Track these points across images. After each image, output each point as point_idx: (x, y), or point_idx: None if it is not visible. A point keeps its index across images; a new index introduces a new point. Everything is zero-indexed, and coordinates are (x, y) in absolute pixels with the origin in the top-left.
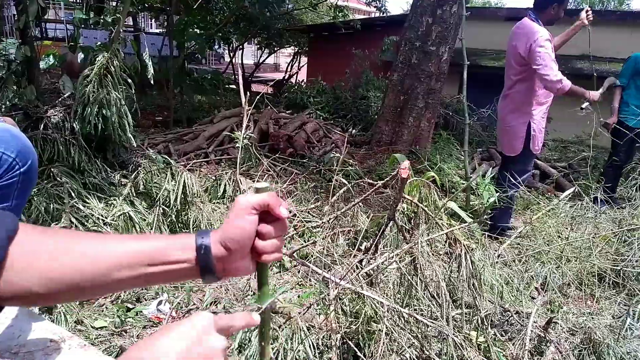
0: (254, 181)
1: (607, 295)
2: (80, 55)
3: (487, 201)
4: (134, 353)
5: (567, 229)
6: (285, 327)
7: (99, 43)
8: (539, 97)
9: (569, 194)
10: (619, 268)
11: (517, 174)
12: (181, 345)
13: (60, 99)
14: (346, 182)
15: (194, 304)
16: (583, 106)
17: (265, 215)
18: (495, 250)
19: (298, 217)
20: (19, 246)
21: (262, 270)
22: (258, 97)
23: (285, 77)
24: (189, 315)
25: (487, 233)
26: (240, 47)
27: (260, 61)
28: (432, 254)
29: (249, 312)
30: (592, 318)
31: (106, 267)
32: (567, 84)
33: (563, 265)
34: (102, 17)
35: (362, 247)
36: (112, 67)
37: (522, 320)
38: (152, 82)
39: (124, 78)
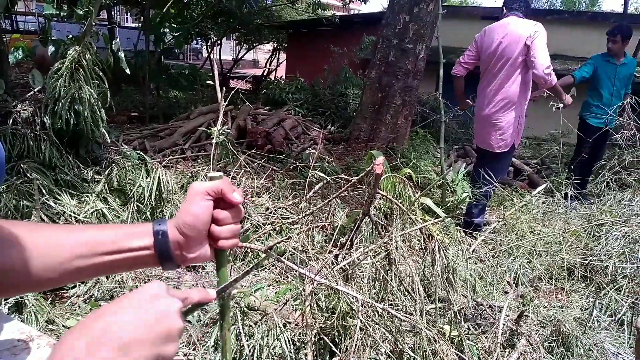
0: (231, 177)
1: (576, 289)
2: (51, 49)
3: (461, 197)
4: (82, 326)
5: (539, 224)
6: (262, 324)
7: (70, 36)
8: (528, 93)
9: (541, 190)
10: (587, 262)
11: (499, 171)
12: (132, 310)
13: (30, 94)
14: (322, 178)
15: None
16: (559, 106)
17: (220, 201)
18: (469, 246)
19: (275, 214)
20: None
21: (220, 256)
22: (233, 92)
23: (264, 74)
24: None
25: (461, 228)
26: (218, 42)
27: (239, 57)
28: (407, 249)
29: (204, 289)
30: (562, 311)
31: (66, 256)
32: (555, 78)
33: (534, 260)
34: (74, 9)
35: (338, 243)
36: (84, 61)
37: (495, 314)
38: (128, 74)
39: (97, 72)
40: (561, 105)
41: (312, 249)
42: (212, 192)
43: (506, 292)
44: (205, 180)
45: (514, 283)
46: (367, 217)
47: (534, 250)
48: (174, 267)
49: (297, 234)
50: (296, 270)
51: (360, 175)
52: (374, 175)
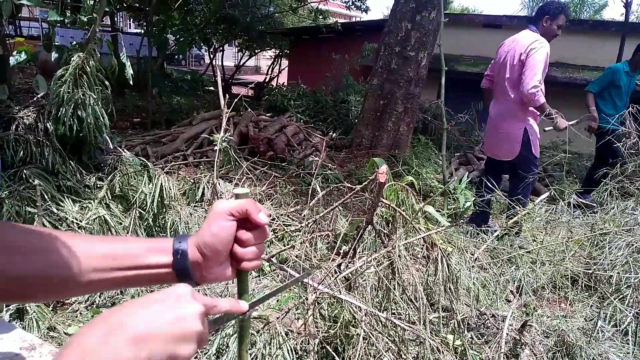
0: (232, 184)
1: (580, 298)
2: (55, 55)
3: (464, 205)
4: (102, 316)
5: (542, 232)
6: (264, 332)
7: (74, 43)
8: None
9: (544, 198)
10: (591, 272)
11: (511, 180)
12: (153, 306)
13: (33, 99)
14: (322, 187)
15: None
16: (546, 129)
17: (245, 221)
18: (472, 254)
19: (277, 221)
20: None
21: (242, 278)
22: (236, 99)
23: (266, 80)
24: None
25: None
26: (221, 48)
27: (241, 63)
28: (410, 258)
29: (236, 299)
30: (566, 321)
31: (84, 268)
32: (540, 98)
33: (538, 269)
34: (77, 16)
35: (341, 251)
36: (87, 67)
37: (498, 323)
38: (130, 82)
39: (100, 79)
40: (550, 127)
41: (315, 257)
42: (237, 213)
43: (509, 301)
44: (230, 194)
45: (517, 292)
46: (370, 226)
47: (536, 259)
48: (192, 285)
49: (301, 243)
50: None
51: (364, 184)
52: (378, 183)
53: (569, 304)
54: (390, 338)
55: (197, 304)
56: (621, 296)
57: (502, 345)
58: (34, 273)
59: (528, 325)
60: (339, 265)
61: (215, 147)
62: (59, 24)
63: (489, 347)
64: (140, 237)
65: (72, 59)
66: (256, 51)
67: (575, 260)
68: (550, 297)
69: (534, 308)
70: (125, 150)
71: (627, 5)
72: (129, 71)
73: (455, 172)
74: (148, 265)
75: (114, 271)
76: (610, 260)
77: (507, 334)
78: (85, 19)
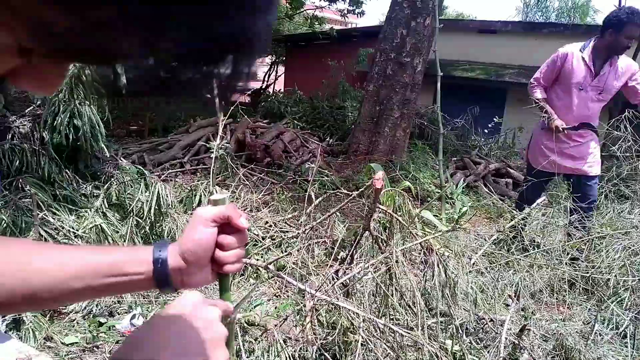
0: (229, 191)
1: (578, 302)
2: None
3: (460, 210)
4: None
5: (539, 236)
6: (262, 340)
7: None
8: (547, 115)
9: (541, 202)
10: (588, 275)
11: (526, 187)
12: (179, 324)
13: (29, 109)
14: (319, 193)
15: None
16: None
17: (226, 226)
18: (469, 259)
19: (274, 228)
20: None
21: (224, 281)
22: (233, 107)
23: (263, 87)
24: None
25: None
26: None
27: None
28: (408, 263)
29: (226, 302)
30: (564, 324)
31: (65, 277)
32: (536, 92)
33: (535, 273)
34: None
35: (339, 257)
36: (83, 76)
37: (497, 327)
38: (123, 92)
39: (97, 87)
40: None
41: (312, 264)
42: (219, 219)
43: (507, 306)
44: (208, 200)
45: (515, 296)
46: (367, 232)
47: (533, 263)
48: (171, 291)
49: (298, 250)
50: (296, 286)
51: (360, 190)
52: (374, 190)
53: (567, 308)
54: (388, 344)
55: (215, 309)
56: (619, 299)
57: (501, 350)
58: (14, 283)
59: (526, 329)
60: (336, 272)
61: (212, 155)
62: None
63: (488, 352)
64: (123, 246)
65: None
66: None
67: (572, 264)
68: (549, 300)
69: (532, 312)
70: (121, 158)
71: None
72: (122, 80)
73: (451, 176)
74: (127, 273)
75: (95, 279)
76: (608, 263)
77: (506, 338)
78: None
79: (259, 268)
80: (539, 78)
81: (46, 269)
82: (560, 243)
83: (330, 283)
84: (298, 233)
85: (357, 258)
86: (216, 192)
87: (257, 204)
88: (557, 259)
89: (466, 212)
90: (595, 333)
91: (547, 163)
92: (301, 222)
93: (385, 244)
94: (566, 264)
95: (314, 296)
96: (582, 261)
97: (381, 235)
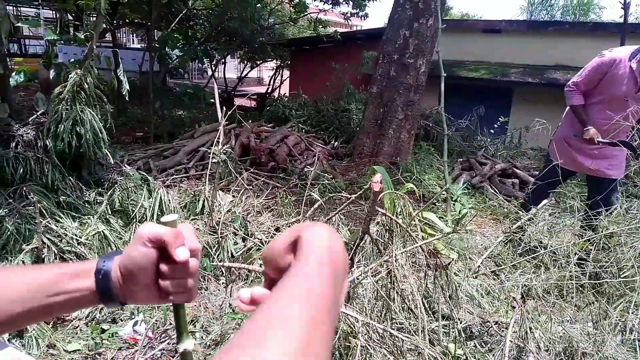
0: (233, 196)
1: (586, 302)
2: (52, 73)
3: (460, 212)
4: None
5: (546, 236)
6: None
7: (72, 60)
8: (571, 115)
9: (548, 202)
10: (597, 275)
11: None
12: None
13: (33, 117)
14: (321, 196)
15: (171, 324)
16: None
17: (166, 253)
18: (472, 260)
19: (278, 233)
20: None
21: (178, 312)
22: (234, 110)
23: (268, 91)
24: None
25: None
26: (223, 61)
27: (243, 75)
28: (412, 266)
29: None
30: (572, 326)
31: (7, 301)
32: (574, 97)
33: (542, 274)
34: (74, 33)
35: None
36: (85, 84)
37: (502, 330)
38: (127, 98)
39: (99, 95)
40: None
41: None
42: (153, 240)
43: (514, 308)
44: (158, 222)
45: (520, 298)
46: (367, 235)
47: (539, 264)
48: (117, 305)
49: None
50: None
51: (358, 192)
52: (372, 193)
53: (576, 309)
54: (388, 349)
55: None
56: (627, 300)
57: (506, 354)
58: None
59: (532, 331)
60: None
61: (213, 161)
62: (62, 42)
63: (493, 355)
64: (66, 262)
65: (70, 76)
66: (258, 62)
67: (580, 264)
68: (556, 302)
69: (539, 314)
70: (125, 165)
71: (626, 7)
72: (126, 87)
73: (457, 177)
74: (67, 290)
75: (44, 298)
76: (616, 263)
77: (511, 341)
78: (83, 37)
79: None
80: (579, 83)
81: None
82: (568, 243)
83: None
84: None
85: (357, 261)
86: (220, 196)
87: (259, 208)
88: (564, 259)
89: (466, 214)
90: (604, 335)
91: (569, 159)
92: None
93: (384, 248)
94: (575, 264)
95: None
96: (590, 262)
97: (382, 238)
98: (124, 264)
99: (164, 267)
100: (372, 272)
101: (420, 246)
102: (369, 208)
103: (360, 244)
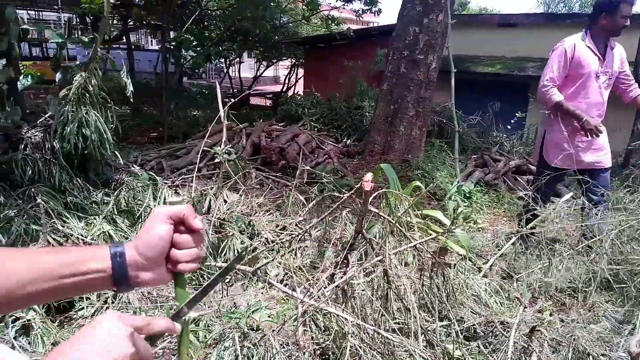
0: (241, 195)
1: (600, 301)
2: (58, 76)
3: (453, 212)
4: None
5: (563, 233)
6: (259, 346)
7: (77, 63)
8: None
9: (566, 199)
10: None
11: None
12: (86, 345)
13: (41, 119)
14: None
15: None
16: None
17: (181, 226)
18: (482, 258)
19: (286, 231)
20: None
21: (180, 280)
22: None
23: (284, 89)
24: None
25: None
26: (238, 60)
27: (258, 74)
28: (417, 265)
29: (171, 320)
30: (583, 327)
31: (22, 282)
32: (554, 94)
33: (556, 272)
34: (80, 37)
35: (334, 261)
36: (90, 86)
37: (506, 331)
38: (131, 100)
39: (103, 96)
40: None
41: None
42: (174, 216)
43: (525, 308)
44: (167, 202)
45: (532, 296)
46: (360, 235)
47: (551, 262)
48: (129, 289)
49: (288, 253)
50: (288, 292)
51: (351, 192)
52: (364, 192)
53: (588, 308)
54: (379, 351)
55: (124, 328)
56: None
57: (509, 355)
58: None
59: (537, 331)
60: (332, 275)
61: (222, 159)
62: (81, 45)
63: (496, 356)
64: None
65: (75, 78)
66: (273, 61)
67: (598, 261)
68: (569, 300)
69: (550, 313)
70: (134, 165)
71: None
72: (129, 88)
73: (470, 174)
74: (88, 270)
75: (58, 279)
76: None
77: (515, 342)
78: (87, 40)
79: (267, 272)
80: (554, 77)
81: (3, 275)
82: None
83: (323, 287)
84: (292, 236)
85: (353, 261)
86: (227, 195)
87: (268, 207)
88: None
89: (462, 212)
90: (615, 335)
91: (566, 158)
92: (306, 225)
93: (380, 247)
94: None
95: (302, 301)
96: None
97: (383, 237)
98: (145, 242)
99: (181, 238)
100: (365, 272)
101: (417, 245)
102: (360, 208)
103: (354, 244)
